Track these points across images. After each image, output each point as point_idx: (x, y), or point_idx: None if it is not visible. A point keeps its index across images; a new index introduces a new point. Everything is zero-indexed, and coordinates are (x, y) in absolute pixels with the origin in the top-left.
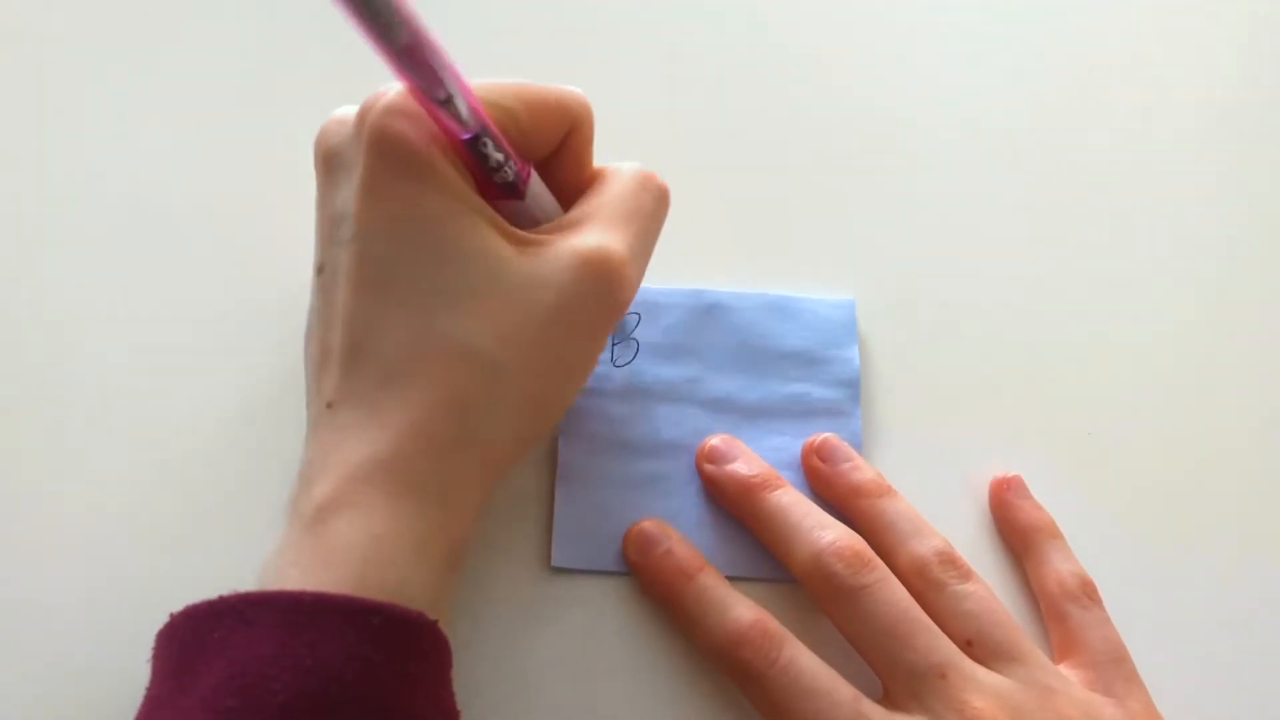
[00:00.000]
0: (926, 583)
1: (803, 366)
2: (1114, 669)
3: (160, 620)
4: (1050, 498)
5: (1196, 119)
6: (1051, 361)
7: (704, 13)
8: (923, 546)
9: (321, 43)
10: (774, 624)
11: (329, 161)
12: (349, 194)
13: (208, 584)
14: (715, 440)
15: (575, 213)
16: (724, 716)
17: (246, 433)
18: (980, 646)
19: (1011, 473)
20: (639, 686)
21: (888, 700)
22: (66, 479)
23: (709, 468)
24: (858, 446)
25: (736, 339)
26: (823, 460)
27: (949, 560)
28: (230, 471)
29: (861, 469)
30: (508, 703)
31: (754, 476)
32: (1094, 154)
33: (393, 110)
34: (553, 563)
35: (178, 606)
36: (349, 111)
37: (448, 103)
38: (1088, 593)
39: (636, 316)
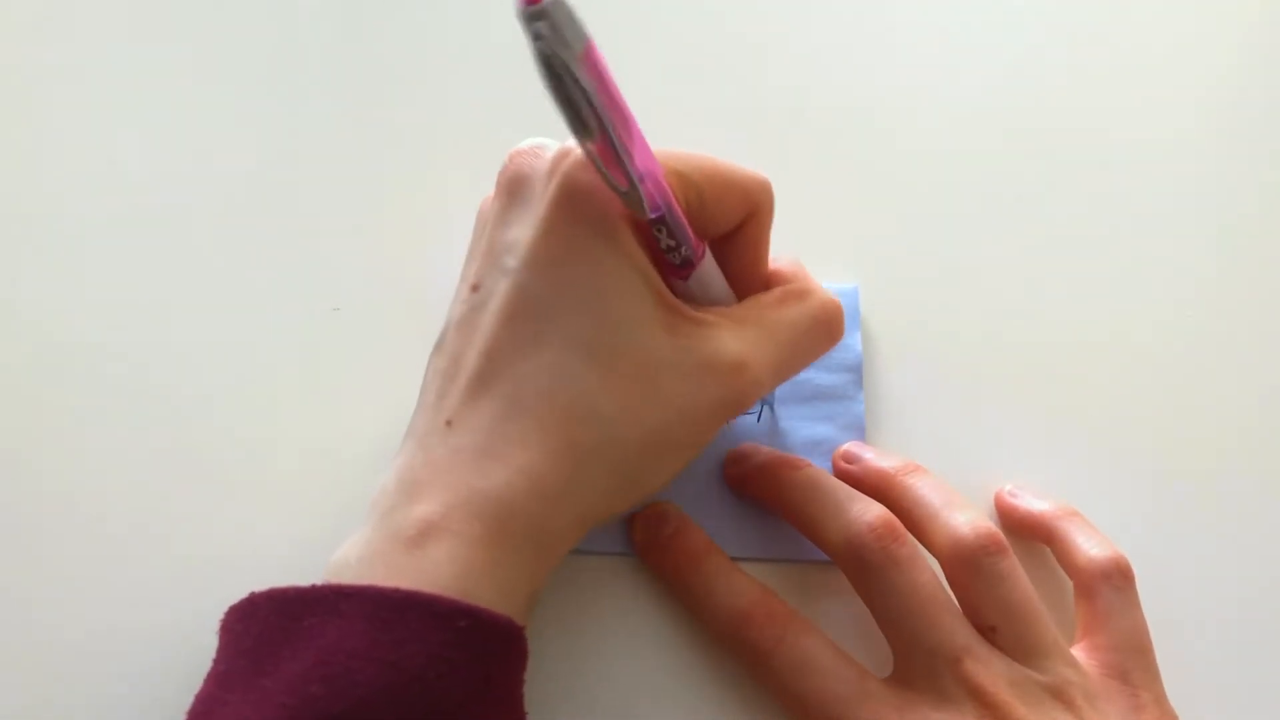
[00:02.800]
0: (960, 560)
1: None
2: (1134, 657)
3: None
4: (1054, 483)
5: (1199, 107)
6: (1053, 349)
7: (709, 2)
8: (957, 520)
9: (339, 37)
10: (780, 604)
11: (515, 186)
12: (527, 227)
13: (225, 571)
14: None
15: (745, 311)
16: (730, 696)
17: (262, 422)
18: (1003, 634)
19: (1008, 483)
20: (644, 666)
21: (897, 678)
22: (76, 471)
23: (733, 469)
24: (861, 431)
25: None
26: (850, 462)
27: (984, 535)
28: (244, 462)
29: (888, 456)
30: None
31: (779, 455)
32: (1099, 145)
33: (587, 165)
34: None
35: (187, 599)
36: (543, 144)
37: (627, 194)
38: (1122, 571)
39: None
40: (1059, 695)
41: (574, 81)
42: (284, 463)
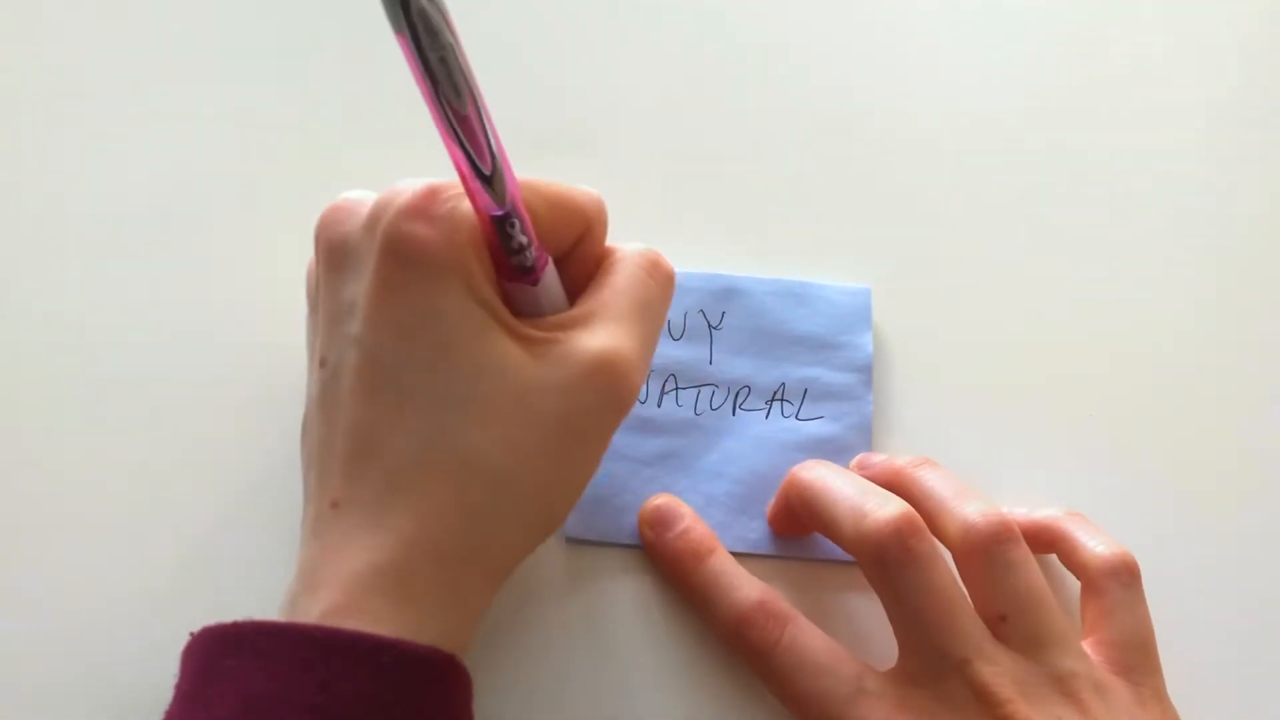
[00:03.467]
0: (971, 548)
1: (816, 351)
2: (1137, 653)
3: (170, 623)
4: (1060, 485)
5: (1213, 111)
6: (1063, 352)
7: (717, 3)
8: (968, 510)
9: (345, 40)
10: (779, 603)
11: (334, 252)
12: (358, 290)
13: (220, 580)
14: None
15: (584, 306)
16: (735, 687)
17: (260, 428)
18: (1013, 623)
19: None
20: (650, 657)
21: (900, 673)
22: (76, 474)
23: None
24: (868, 431)
25: (752, 322)
26: (864, 467)
27: (995, 523)
28: (244, 466)
29: (901, 456)
30: (520, 671)
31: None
32: (1113, 150)
33: (410, 213)
34: (566, 533)
35: (185, 604)
36: (353, 199)
37: (490, 179)
38: (1129, 568)
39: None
40: (1066, 689)
41: (446, 39)
42: (284, 463)
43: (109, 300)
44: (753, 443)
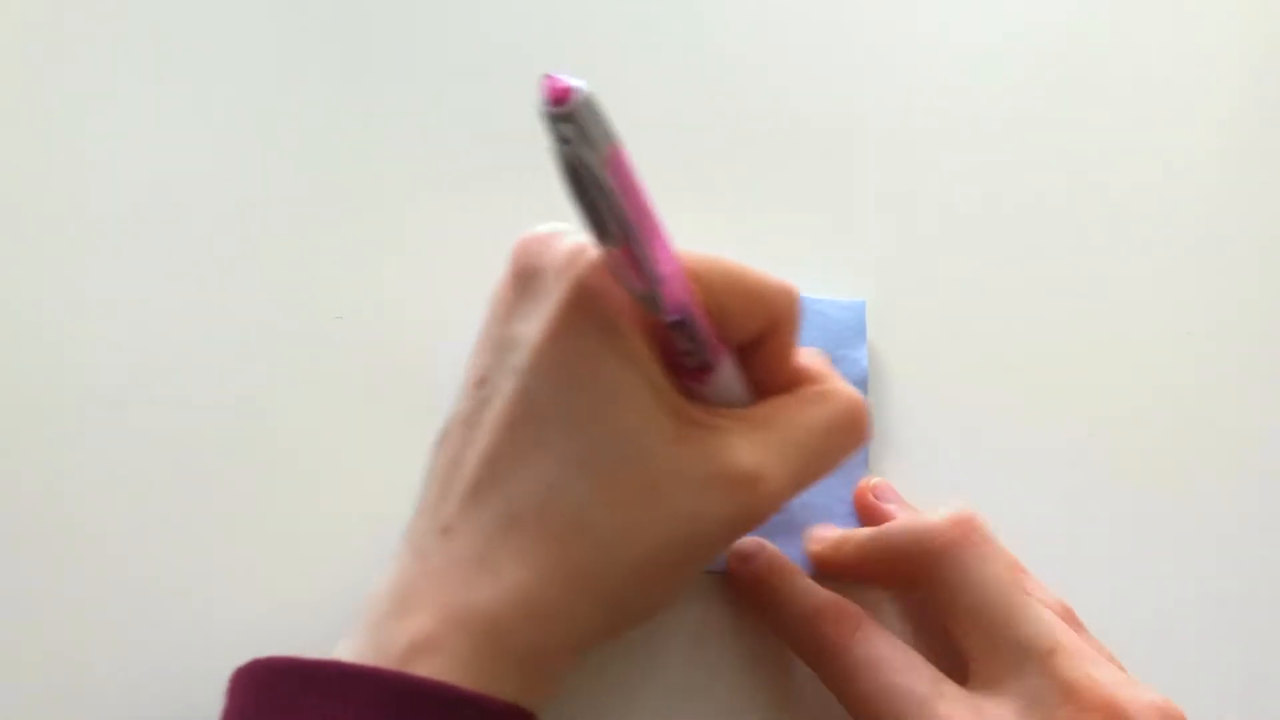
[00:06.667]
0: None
1: None
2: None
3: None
4: (1058, 499)
5: (1210, 120)
6: (1060, 364)
7: (714, 11)
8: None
9: (349, 43)
10: (852, 605)
11: (525, 278)
12: (535, 325)
13: (224, 587)
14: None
15: (763, 411)
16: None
17: (261, 430)
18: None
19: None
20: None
21: (977, 682)
22: (78, 478)
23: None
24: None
25: None
26: (879, 497)
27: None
28: (245, 469)
29: (909, 508)
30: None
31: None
32: (1111, 161)
33: (600, 266)
34: None
35: (184, 614)
36: (557, 232)
37: (644, 297)
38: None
39: None
40: (1145, 693)
41: (598, 186)
42: (284, 470)
43: (107, 303)
44: None
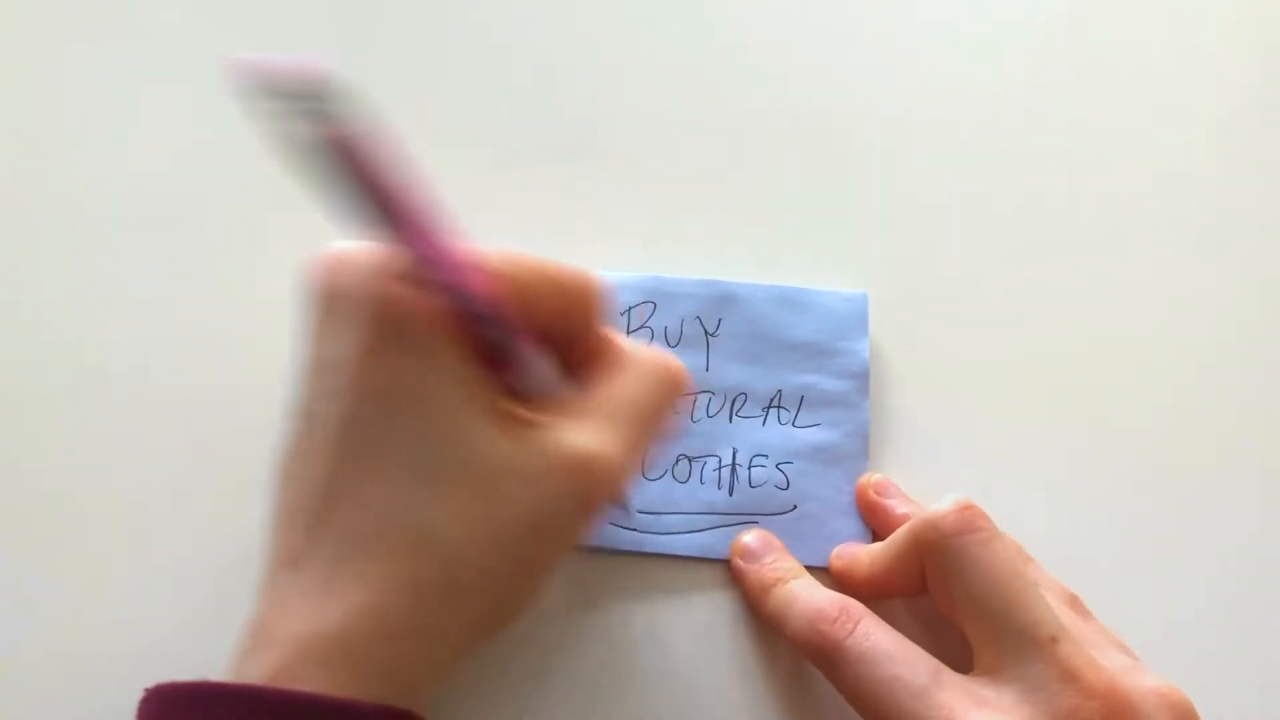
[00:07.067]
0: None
1: (813, 358)
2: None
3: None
4: (1058, 494)
5: (1210, 119)
6: (1060, 358)
7: (715, 11)
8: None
9: (350, 44)
10: (855, 602)
11: (329, 299)
12: (346, 348)
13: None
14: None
15: (580, 397)
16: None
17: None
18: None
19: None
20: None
21: (980, 669)
22: (79, 474)
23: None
24: (865, 438)
25: (749, 329)
26: (880, 494)
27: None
28: (245, 466)
29: (909, 502)
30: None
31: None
32: (1112, 156)
33: (400, 275)
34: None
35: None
36: (349, 251)
37: (451, 296)
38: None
39: (650, 330)
40: (1145, 678)
41: (366, 169)
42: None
43: (106, 303)
44: (750, 450)
